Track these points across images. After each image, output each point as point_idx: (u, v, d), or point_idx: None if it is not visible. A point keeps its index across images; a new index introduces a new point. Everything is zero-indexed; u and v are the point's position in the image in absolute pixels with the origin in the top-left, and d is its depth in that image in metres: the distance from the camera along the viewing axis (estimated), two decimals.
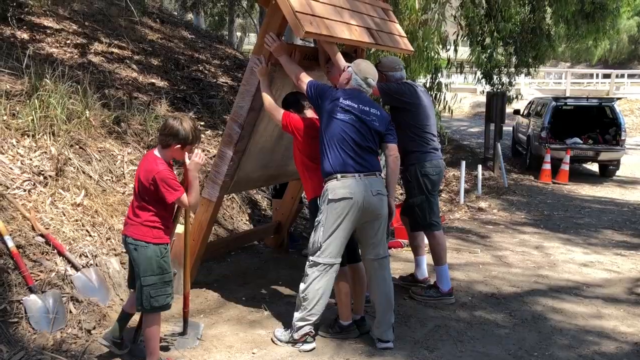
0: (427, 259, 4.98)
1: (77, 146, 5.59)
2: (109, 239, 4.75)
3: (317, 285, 3.67)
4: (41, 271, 4.04)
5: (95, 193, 5.17)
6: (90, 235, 4.67)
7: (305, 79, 3.85)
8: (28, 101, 5.45)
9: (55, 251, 4.24)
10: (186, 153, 3.37)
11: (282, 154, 4.93)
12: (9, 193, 4.55)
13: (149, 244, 3.27)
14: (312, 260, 3.71)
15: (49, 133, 5.38)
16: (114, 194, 5.40)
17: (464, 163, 9.30)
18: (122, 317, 3.53)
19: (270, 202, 6.66)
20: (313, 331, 3.74)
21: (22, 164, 4.92)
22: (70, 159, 5.37)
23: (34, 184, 4.81)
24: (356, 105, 3.70)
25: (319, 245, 3.68)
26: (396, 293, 4.62)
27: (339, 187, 3.63)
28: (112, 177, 5.64)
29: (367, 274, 3.86)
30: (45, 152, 5.20)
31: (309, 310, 3.69)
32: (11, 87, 5.93)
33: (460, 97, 20.47)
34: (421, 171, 4.55)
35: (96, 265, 4.33)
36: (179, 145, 3.28)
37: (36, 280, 3.92)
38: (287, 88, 4.35)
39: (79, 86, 6.02)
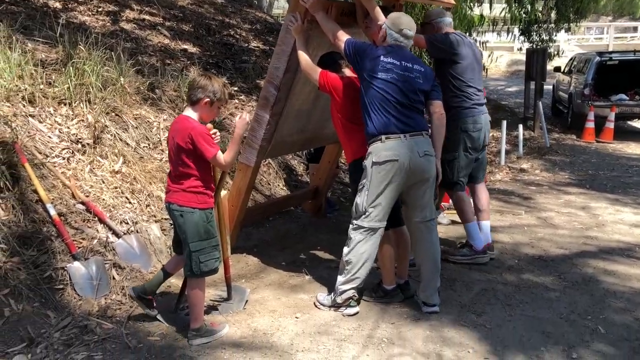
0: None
1: (113, 113, 5.57)
2: (148, 205, 4.74)
3: (361, 249, 3.58)
4: (83, 238, 4.05)
5: (133, 160, 5.15)
6: (129, 202, 4.66)
7: (343, 36, 3.69)
8: (63, 69, 5.42)
9: (96, 218, 4.25)
10: (239, 114, 3.33)
11: (319, 117, 4.81)
12: (48, 161, 4.56)
13: (195, 209, 3.22)
14: (355, 224, 3.61)
15: (85, 101, 5.36)
16: (152, 161, 5.38)
17: (504, 123, 9.01)
18: (160, 276, 3.53)
19: (306, 167, 6.56)
20: (356, 295, 3.67)
21: (60, 132, 4.92)
22: (107, 126, 5.35)
23: (73, 152, 4.81)
24: (398, 62, 3.53)
25: (364, 209, 3.57)
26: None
27: (383, 149, 3.50)
28: (149, 144, 5.61)
29: (413, 236, 3.75)
30: (82, 120, 5.19)
31: (352, 274, 3.61)
32: (46, 56, 5.92)
33: (497, 56, 19.93)
34: (461, 127, 4.38)
35: (137, 232, 4.33)
36: (207, 100, 3.20)
37: (79, 248, 3.93)
38: (324, 47, 4.19)
39: (112, 53, 5.96)
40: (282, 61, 4.10)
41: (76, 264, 3.74)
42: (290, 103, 4.36)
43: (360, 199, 3.59)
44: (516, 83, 19.43)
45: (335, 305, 3.68)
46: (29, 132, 4.68)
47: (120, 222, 4.34)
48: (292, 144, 4.92)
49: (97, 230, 4.17)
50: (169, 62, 7.98)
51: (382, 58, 3.53)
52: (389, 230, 3.76)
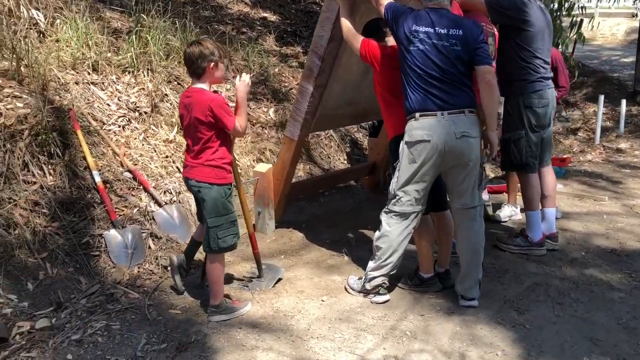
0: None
1: (175, 82, 5.61)
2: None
3: (391, 235, 3.33)
4: (125, 206, 4.12)
5: None
6: (179, 172, 4.68)
7: (385, 0, 3.38)
8: (127, 38, 5.51)
9: (141, 187, 4.30)
10: (238, 76, 3.23)
11: (370, 89, 4.52)
12: (103, 129, 4.66)
13: (213, 185, 3.13)
14: (387, 208, 3.36)
15: (148, 69, 5.43)
16: None
17: (602, 97, 8.15)
18: (191, 245, 3.53)
19: None
20: (387, 283, 3.44)
21: (119, 100, 5.01)
22: (166, 94, 5.40)
23: (129, 120, 4.90)
24: (432, 30, 3.17)
25: (394, 192, 3.31)
26: (488, 249, 4.18)
27: (416, 127, 3.20)
28: None
29: (454, 222, 3.44)
30: (143, 89, 5.26)
31: (382, 261, 3.38)
32: (122, 25, 6.06)
33: (614, 23, 18.20)
34: (524, 102, 3.95)
35: (179, 202, 4.34)
36: (212, 64, 3.08)
37: (119, 216, 4.00)
38: (371, 14, 3.89)
39: (178, 22, 5.98)
40: (327, 29, 3.87)
41: (112, 231, 3.80)
42: (336, 74, 4.14)
43: (392, 182, 3.34)
44: (634, 53, 17.64)
45: (364, 292, 3.48)
46: (88, 100, 4.81)
47: (165, 192, 4.37)
48: (341, 117, 4.70)
49: (141, 199, 4.23)
50: (244, 30, 7.96)
51: (414, 27, 3.19)
52: (429, 214, 3.48)
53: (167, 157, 4.76)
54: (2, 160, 3.80)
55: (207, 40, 3.16)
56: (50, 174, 4.02)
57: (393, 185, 3.33)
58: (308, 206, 5.32)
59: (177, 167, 4.73)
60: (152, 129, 4.93)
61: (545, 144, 4.16)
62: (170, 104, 5.34)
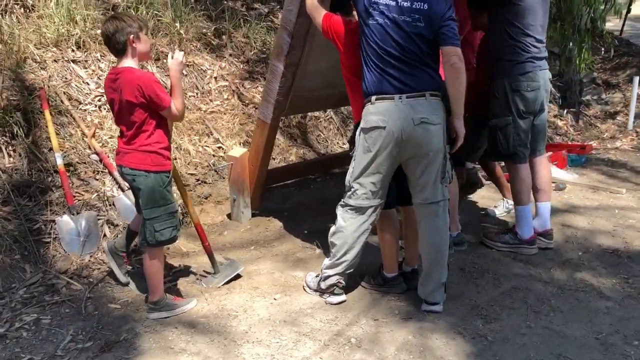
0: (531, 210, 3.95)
1: (163, 61, 5.39)
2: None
3: (346, 231, 3.03)
4: (86, 191, 3.95)
5: None
6: None
7: None
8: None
9: (107, 171, 4.12)
10: (170, 53, 2.96)
11: None
12: (79, 109, 4.50)
13: (149, 172, 2.89)
14: (343, 201, 3.05)
15: None
16: (194, 111, 5.15)
17: (637, 79, 7.48)
18: (127, 234, 3.31)
19: None
20: (342, 282, 3.14)
21: (99, 78, 4.83)
22: (153, 73, 5.19)
23: None
24: (394, 3, 2.80)
25: (349, 184, 3.00)
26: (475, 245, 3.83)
27: (371, 112, 2.86)
28: (196, 94, 5.39)
29: (417, 219, 3.10)
30: None
31: (337, 259, 3.08)
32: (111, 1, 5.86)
33: None
34: (511, 85, 3.54)
35: None
36: (131, 37, 2.80)
37: (78, 201, 3.83)
38: None
39: None
40: (295, 3, 3.54)
41: (65, 217, 3.63)
42: (310, 51, 3.80)
43: (348, 172, 3.02)
44: None
45: (320, 291, 3.19)
46: (65, 78, 4.65)
47: None
48: (323, 100, 4.38)
49: (104, 183, 4.04)
50: (256, 6, 7.66)
51: None
52: (393, 208, 3.16)
53: None
54: None
55: (123, 15, 2.90)
56: (9, 155, 3.87)
57: (348, 176, 3.02)
58: (296, 192, 5.05)
59: None
60: None
61: (538, 131, 3.73)
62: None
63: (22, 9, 5.12)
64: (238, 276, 3.49)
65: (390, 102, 2.82)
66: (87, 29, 5.11)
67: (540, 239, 3.79)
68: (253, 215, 4.43)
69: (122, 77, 2.83)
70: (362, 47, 2.90)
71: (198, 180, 4.64)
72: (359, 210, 2.99)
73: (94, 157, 4.16)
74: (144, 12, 5.33)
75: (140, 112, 2.85)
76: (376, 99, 2.85)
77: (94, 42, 5.08)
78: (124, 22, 2.80)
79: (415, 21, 2.79)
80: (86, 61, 4.97)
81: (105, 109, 4.62)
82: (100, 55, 5.07)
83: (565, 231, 4.10)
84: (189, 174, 4.59)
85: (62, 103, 4.38)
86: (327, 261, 3.15)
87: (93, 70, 4.91)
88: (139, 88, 2.78)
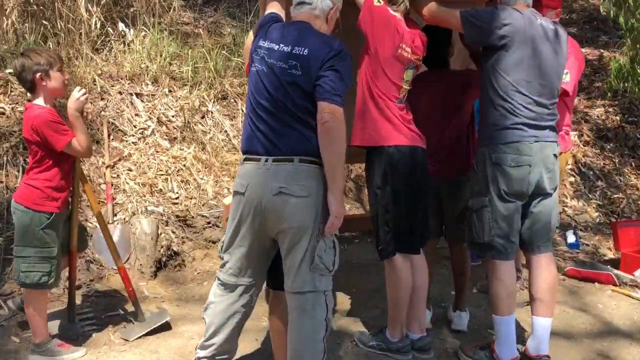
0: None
1: (226, 101, 5.39)
2: (177, 198, 4.44)
3: (215, 309, 2.55)
4: None
5: (212, 149, 4.90)
6: (159, 192, 4.44)
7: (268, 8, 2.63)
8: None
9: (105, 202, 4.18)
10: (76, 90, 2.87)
11: None
12: (121, 139, 4.69)
13: (28, 209, 2.81)
14: (217, 274, 2.61)
15: (205, 84, 5.32)
16: (234, 153, 5.00)
17: None
18: None
19: None
20: None
21: (151, 113, 4.99)
22: (211, 112, 5.23)
23: (153, 133, 4.84)
24: (276, 46, 2.33)
25: (220, 254, 2.55)
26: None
27: (238, 174, 2.43)
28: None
29: None
30: (188, 103, 5.16)
31: (205, 340, 2.61)
32: (215, 40, 5.99)
33: None
34: (492, 157, 2.71)
35: (130, 224, 4.07)
36: (38, 75, 2.75)
37: None
38: None
39: None
40: None
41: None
42: None
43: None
44: None
45: None
46: (119, 109, 4.91)
47: (126, 210, 4.17)
48: None
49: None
50: None
51: (260, 41, 2.41)
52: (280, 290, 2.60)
53: (165, 174, 4.56)
54: None
55: (36, 51, 2.88)
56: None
57: (221, 244, 2.57)
58: None
59: (162, 187, 4.48)
60: (160, 145, 4.77)
61: (537, 221, 2.78)
62: (213, 121, 5.16)
63: (122, 44, 5.58)
64: (166, 325, 3.22)
65: (255, 164, 2.35)
66: (164, 64, 5.36)
67: None
68: None
69: (25, 113, 2.86)
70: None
71: (209, 223, 4.47)
72: (227, 287, 2.52)
73: (103, 187, 4.27)
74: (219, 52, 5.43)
75: (36, 149, 2.82)
76: (245, 159, 2.39)
77: (167, 77, 5.31)
78: (31, 59, 2.79)
79: (292, 68, 2.29)
80: (153, 95, 5.20)
81: (145, 142, 4.75)
82: (169, 90, 5.26)
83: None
84: (199, 215, 4.45)
85: (101, 132, 4.59)
86: (201, 340, 2.70)
87: (153, 105, 5.10)
88: (33, 127, 2.75)
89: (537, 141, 2.66)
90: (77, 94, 2.85)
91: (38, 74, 2.78)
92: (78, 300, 3.52)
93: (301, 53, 2.28)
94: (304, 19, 2.43)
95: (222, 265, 2.54)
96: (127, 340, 3.13)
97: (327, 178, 2.27)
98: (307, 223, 2.28)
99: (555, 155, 2.73)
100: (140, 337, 3.14)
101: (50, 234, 2.84)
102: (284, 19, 2.59)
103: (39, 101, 2.83)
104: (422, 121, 2.95)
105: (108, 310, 3.48)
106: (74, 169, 2.99)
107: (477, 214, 2.78)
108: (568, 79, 3.23)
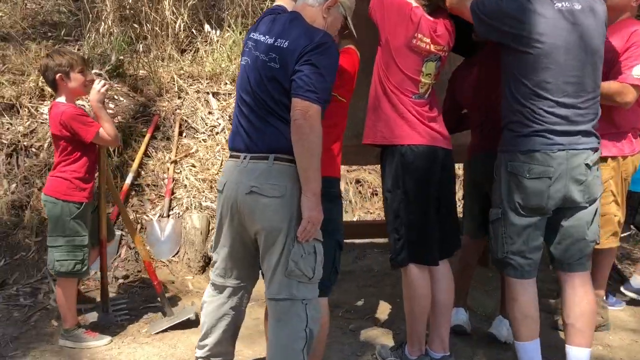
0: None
1: None
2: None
3: (207, 309, 2.48)
4: (135, 211, 4.19)
5: None
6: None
7: None
8: None
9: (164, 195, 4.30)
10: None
11: None
12: (192, 136, 4.82)
13: (58, 200, 2.97)
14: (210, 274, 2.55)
15: None
16: None
17: None
18: None
19: None
20: None
21: (224, 112, 5.08)
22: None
23: (224, 129, 4.93)
24: (262, 38, 2.21)
25: (212, 253, 2.49)
26: None
27: (222, 171, 2.34)
28: None
29: None
30: None
31: (200, 339, 2.55)
32: None
33: None
34: (508, 166, 2.36)
35: (183, 218, 4.14)
36: (59, 75, 2.91)
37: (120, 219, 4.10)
38: None
39: None
40: None
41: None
42: None
43: None
44: None
45: None
46: (194, 107, 5.06)
47: (182, 205, 4.26)
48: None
49: (155, 206, 4.23)
50: None
51: (251, 33, 2.31)
52: None
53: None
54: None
55: (59, 51, 3.04)
56: None
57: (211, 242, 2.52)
58: None
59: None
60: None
61: (570, 237, 2.38)
62: None
63: (207, 45, 5.77)
64: (195, 321, 3.22)
65: (234, 161, 2.26)
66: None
67: None
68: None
69: (50, 111, 3.03)
70: None
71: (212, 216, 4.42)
72: (217, 288, 2.45)
73: (166, 181, 4.40)
74: None
75: (64, 143, 2.97)
76: (230, 156, 2.31)
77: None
78: (53, 60, 2.96)
79: (271, 61, 2.16)
80: (230, 94, 5.29)
81: (214, 140, 4.85)
82: None
83: None
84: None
85: (173, 128, 4.75)
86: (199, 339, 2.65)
87: (227, 103, 5.19)
88: (62, 122, 2.91)
89: (562, 150, 2.27)
90: (97, 86, 2.98)
91: (58, 75, 2.93)
92: (122, 290, 3.67)
93: (281, 45, 2.15)
94: (298, 10, 2.29)
95: (213, 265, 2.47)
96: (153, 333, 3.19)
97: (300, 179, 2.10)
98: (279, 225, 2.13)
99: (588, 165, 2.30)
100: (163, 330, 3.17)
101: (80, 223, 2.99)
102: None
103: (62, 99, 3.00)
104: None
105: (148, 302, 3.57)
106: (99, 160, 3.10)
107: (493, 226, 2.46)
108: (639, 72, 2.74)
